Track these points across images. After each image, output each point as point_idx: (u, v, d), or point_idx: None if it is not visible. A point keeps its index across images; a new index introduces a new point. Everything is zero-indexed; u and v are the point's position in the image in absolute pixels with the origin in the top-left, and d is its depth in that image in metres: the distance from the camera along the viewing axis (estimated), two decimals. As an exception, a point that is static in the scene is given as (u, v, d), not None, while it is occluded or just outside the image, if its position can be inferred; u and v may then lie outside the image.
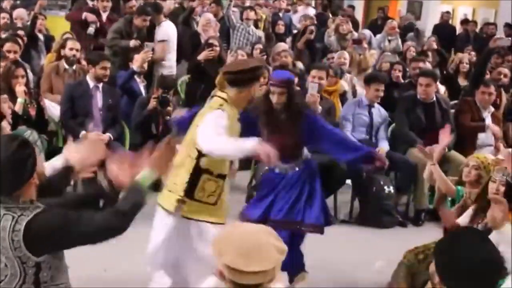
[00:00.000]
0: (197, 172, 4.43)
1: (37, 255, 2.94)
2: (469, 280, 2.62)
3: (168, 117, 7.26)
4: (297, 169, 5.10)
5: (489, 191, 4.64)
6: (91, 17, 9.72)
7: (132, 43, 9.00)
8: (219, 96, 4.59)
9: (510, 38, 9.46)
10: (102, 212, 3.11)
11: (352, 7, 16.49)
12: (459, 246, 2.71)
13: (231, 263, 2.61)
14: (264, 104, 5.01)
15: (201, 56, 9.02)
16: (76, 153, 3.47)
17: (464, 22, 15.63)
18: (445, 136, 5.14)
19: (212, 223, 4.47)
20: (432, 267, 2.80)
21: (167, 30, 9.85)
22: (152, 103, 7.33)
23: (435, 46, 11.01)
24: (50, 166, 3.54)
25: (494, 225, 3.22)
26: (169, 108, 7.39)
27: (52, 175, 3.38)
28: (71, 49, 7.90)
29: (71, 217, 2.99)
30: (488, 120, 7.83)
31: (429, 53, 10.70)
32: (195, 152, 4.41)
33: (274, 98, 4.96)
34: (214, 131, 4.27)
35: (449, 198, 5.18)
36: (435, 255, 2.76)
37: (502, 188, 4.54)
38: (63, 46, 8.10)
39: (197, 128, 4.39)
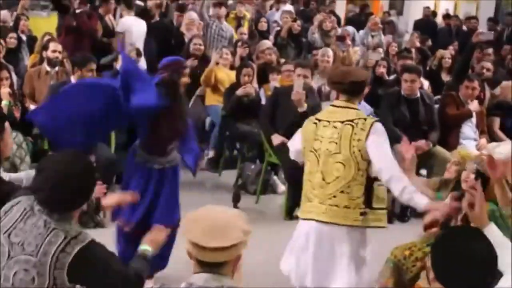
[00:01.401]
0: (369, 182, 4.37)
1: (70, 282, 2.92)
2: (463, 276, 2.65)
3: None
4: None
5: (462, 180, 4.70)
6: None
7: None
8: (352, 108, 4.45)
9: (492, 32, 9.53)
10: (126, 267, 3.13)
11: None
12: (455, 242, 2.74)
13: (194, 239, 2.67)
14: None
15: (189, 62, 9.03)
16: None
17: (446, 17, 15.69)
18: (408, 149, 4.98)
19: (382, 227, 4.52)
20: (428, 263, 2.83)
21: (125, 23, 9.93)
22: None
23: (417, 43, 11.09)
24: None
25: (477, 223, 3.23)
26: None
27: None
28: (54, 51, 7.85)
29: (112, 260, 3.05)
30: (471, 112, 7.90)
31: (412, 50, 10.77)
32: (364, 163, 4.32)
33: None
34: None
35: None
36: (431, 251, 2.81)
37: (472, 176, 4.59)
38: (45, 47, 8.05)
39: (361, 143, 4.28)
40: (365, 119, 4.37)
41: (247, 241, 2.80)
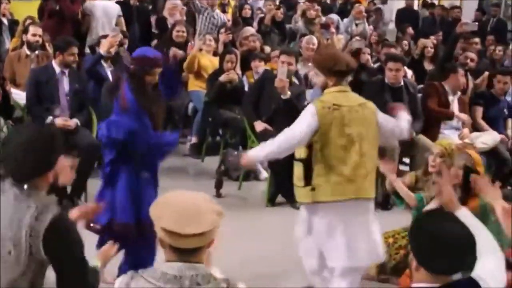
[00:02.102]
0: None
1: (45, 252, 2.92)
2: (443, 257, 2.65)
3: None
4: None
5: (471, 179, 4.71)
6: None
7: None
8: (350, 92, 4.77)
9: (476, 23, 9.52)
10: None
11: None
12: (433, 226, 2.74)
13: (168, 226, 2.60)
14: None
15: (172, 53, 9.00)
16: None
17: (430, 6, 15.69)
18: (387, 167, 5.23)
19: None
20: (410, 255, 2.83)
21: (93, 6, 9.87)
22: None
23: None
24: None
25: (449, 208, 3.25)
26: None
27: None
28: (34, 34, 7.76)
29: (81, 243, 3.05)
30: (455, 104, 7.89)
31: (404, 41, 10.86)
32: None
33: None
34: None
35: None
36: (410, 237, 2.82)
37: (460, 172, 4.61)
38: (25, 31, 7.96)
39: (375, 123, 4.68)
40: (365, 102, 4.71)
41: (219, 224, 2.72)
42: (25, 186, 2.97)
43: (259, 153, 4.76)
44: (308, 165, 4.58)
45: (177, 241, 2.62)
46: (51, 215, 2.91)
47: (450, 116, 7.75)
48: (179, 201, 2.71)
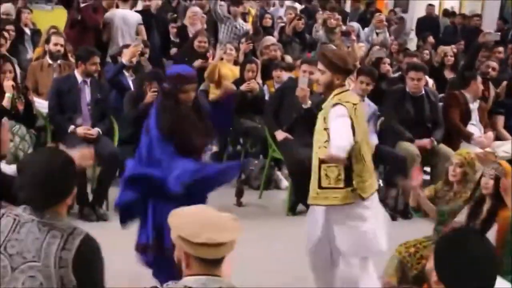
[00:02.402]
0: None
1: (76, 278, 2.90)
2: (466, 277, 2.62)
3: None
4: None
5: (482, 185, 4.68)
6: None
7: None
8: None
9: (499, 33, 9.50)
10: None
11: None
12: (458, 244, 2.72)
13: (188, 236, 2.62)
14: None
15: (196, 64, 9.03)
16: None
17: (451, 14, 15.64)
18: (416, 179, 5.18)
19: None
20: (428, 265, 2.81)
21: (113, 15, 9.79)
22: (152, 96, 7.24)
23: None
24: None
25: None
26: None
27: None
28: (56, 44, 7.80)
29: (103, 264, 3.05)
30: (475, 112, 7.88)
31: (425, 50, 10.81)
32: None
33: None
34: None
35: None
36: (435, 253, 2.77)
37: (491, 182, 4.58)
38: (47, 41, 8.02)
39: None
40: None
41: (236, 241, 2.73)
42: (47, 215, 2.95)
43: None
44: (349, 166, 4.59)
45: (195, 250, 2.63)
46: (77, 241, 2.90)
47: (468, 137, 7.70)
48: (200, 214, 2.74)
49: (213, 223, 2.66)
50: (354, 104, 4.61)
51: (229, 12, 10.67)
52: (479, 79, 7.87)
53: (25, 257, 2.88)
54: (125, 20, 9.55)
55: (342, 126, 4.48)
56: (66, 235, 2.90)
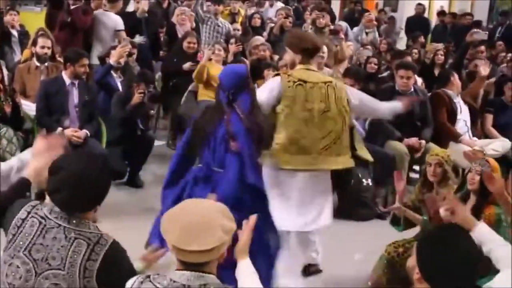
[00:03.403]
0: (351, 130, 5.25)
1: (102, 285, 2.91)
2: (449, 275, 2.62)
3: (152, 111, 7.28)
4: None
5: (468, 181, 4.69)
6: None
7: None
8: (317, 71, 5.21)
9: (486, 33, 9.54)
10: None
11: (328, 0, 16.52)
12: (440, 241, 2.71)
13: (173, 242, 2.61)
14: None
15: (186, 66, 9.06)
16: (32, 166, 3.34)
17: (441, 13, 15.67)
18: (398, 185, 5.32)
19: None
20: (410, 262, 2.79)
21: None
22: (138, 98, 7.27)
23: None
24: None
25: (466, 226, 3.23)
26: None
27: (7, 189, 3.27)
28: (42, 47, 7.73)
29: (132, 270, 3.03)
30: (461, 104, 7.97)
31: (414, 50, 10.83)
32: (348, 116, 5.12)
33: None
34: None
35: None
36: (417, 250, 2.76)
37: (477, 178, 4.60)
38: (34, 43, 7.98)
39: (344, 99, 5.07)
40: (333, 81, 5.12)
41: (229, 240, 2.71)
42: (74, 221, 2.94)
43: None
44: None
45: (182, 255, 2.64)
46: (103, 252, 2.90)
47: (456, 137, 7.73)
48: (189, 214, 2.69)
49: (197, 230, 2.62)
50: (303, 81, 4.90)
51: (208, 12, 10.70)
52: (455, 74, 7.90)
53: (50, 264, 2.88)
54: (104, 24, 9.50)
55: (260, 90, 4.98)
56: (92, 245, 2.90)
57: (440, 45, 10.35)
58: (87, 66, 7.16)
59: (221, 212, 2.74)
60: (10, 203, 3.08)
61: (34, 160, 3.38)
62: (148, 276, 2.70)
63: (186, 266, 2.66)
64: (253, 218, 3.12)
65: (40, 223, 2.94)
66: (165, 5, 12.05)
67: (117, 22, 9.60)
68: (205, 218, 2.67)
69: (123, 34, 9.55)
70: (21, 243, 2.92)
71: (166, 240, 2.65)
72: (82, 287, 2.88)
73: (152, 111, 7.50)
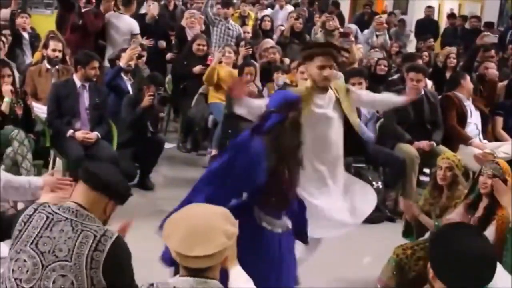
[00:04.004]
0: None
1: (105, 279, 2.95)
2: (462, 273, 2.62)
3: (162, 114, 7.30)
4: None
5: (480, 185, 4.69)
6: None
7: None
8: None
9: (497, 36, 9.51)
10: None
11: (337, 4, 16.51)
12: (452, 239, 2.71)
13: (175, 247, 2.62)
14: None
15: (196, 69, 9.13)
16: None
17: (451, 16, 15.64)
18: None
19: None
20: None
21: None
22: (148, 100, 7.32)
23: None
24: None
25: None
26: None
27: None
28: (54, 50, 7.77)
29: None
30: (472, 108, 7.92)
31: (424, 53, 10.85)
32: None
33: None
34: None
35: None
36: (429, 249, 2.77)
37: (489, 181, 4.59)
38: (45, 46, 8.01)
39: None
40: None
41: (233, 244, 2.74)
42: (81, 216, 3.02)
43: None
44: None
45: (184, 261, 2.65)
46: (109, 243, 2.96)
47: (466, 140, 7.70)
48: (191, 219, 2.71)
49: (199, 235, 2.63)
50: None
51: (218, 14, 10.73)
52: (467, 77, 7.88)
53: (57, 256, 2.93)
54: (116, 27, 9.51)
55: None
56: (99, 236, 2.96)
57: (453, 49, 10.34)
58: (98, 69, 7.19)
59: (224, 217, 2.76)
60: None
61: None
62: (152, 284, 2.73)
63: (189, 271, 2.67)
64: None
65: (47, 217, 3.00)
66: (171, 7, 12.08)
67: (132, 25, 9.59)
68: (207, 223, 2.68)
69: (139, 37, 9.57)
70: (28, 237, 2.97)
71: (168, 246, 2.67)
72: (89, 277, 2.91)
73: (162, 114, 7.52)
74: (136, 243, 3.48)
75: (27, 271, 2.93)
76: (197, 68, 9.17)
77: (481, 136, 7.88)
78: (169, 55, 10.26)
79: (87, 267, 2.91)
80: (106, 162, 6.13)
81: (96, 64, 7.09)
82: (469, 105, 7.90)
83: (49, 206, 3.05)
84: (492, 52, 10.24)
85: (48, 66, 7.74)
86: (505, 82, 8.87)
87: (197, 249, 2.60)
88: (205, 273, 2.67)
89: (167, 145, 7.93)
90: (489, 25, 14.18)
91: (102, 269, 2.92)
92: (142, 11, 11.23)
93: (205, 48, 9.44)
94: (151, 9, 10.35)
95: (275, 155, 3.87)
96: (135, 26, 9.58)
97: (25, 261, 2.94)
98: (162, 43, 10.11)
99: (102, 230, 2.99)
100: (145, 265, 3.96)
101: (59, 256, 2.92)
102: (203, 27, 10.66)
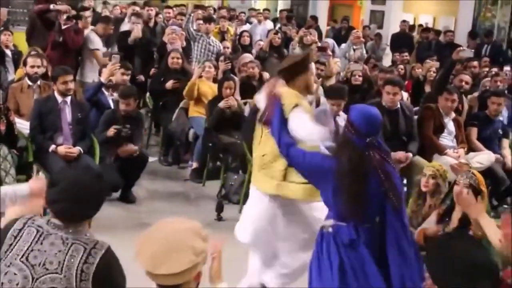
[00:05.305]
0: None
1: None
2: (459, 282, 2.66)
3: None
4: None
5: (454, 194, 4.80)
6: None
7: None
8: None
9: (472, 50, 9.71)
10: None
11: (315, 18, 16.71)
12: (451, 249, 2.76)
13: (143, 265, 2.64)
14: None
15: (168, 85, 9.28)
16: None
17: (425, 30, 15.89)
18: None
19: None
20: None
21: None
22: (111, 131, 7.44)
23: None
24: None
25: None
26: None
27: None
28: (32, 66, 7.79)
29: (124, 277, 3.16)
30: (450, 125, 8.01)
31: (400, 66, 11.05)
32: None
33: None
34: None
35: None
36: (427, 257, 2.84)
37: (465, 190, 4.69)
38: (24, 63, 8.06)
39: None
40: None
41: (203, 260, 2.71)
42: (71, 229, 3.04)
43: None
44: None
45: (156, 279, 2.68)
46: (99, 256, 3.00)
47: (441, 150, 7.81)
48: (162, 235, 2.70)
49: (167, 252, 2.63)
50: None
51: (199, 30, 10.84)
52: (446, 94, 7.98)
53: (47, 268, 2.96)
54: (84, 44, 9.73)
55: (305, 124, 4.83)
56: (88, 249, 3.00)
57: (436, 63, 10.52)
58: (73, 83, 7.23)
59: (194, 231, 2.74)
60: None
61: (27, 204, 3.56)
62: None
63: (161, 287, 2.70)
64: (220, 241, 3.10)
65: (38, 231, 3.03)
66: (151, 24, 12.19)
67: (93, 40, 9.83)
68: (175, 240, 2.67)
69: (99, 53, 9.72)
70: (18, 251, 3.00)
71: (138, 263, 2.67)
72: None
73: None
74: (118, 254, 3.58)
75: (17, 284, 2.95)
76: (169, 84, 9.27)
77: (455, 146, 8.01)
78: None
79: (77, 279, 2.94)
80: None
81: (68, 78, 7.08)
82: (448, 121, 7.99)
83: (38, 220, 3.08)
84: (474, 63, 10.47)
85: (30, 83, 7.78)
86: (477, 94, 9.04)
87: (163, 267, 2.60)
88: None
89: (149, 159, 8.01)
90: (473, 36, 14.50)
91: (92, 281, 2.96)
92: (124, 27, 11.33)
93: (180, 60, 9.53)
94: (135, 32, 10.45)
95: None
96: (95, 41, 9.84)
97: (15, 274, 2.96)
98: (141, 77, 10.25)
99: (92, 242, 3.03)
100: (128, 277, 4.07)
101: (49, 269, 2.95)
102: (184, 43, 10.75)
